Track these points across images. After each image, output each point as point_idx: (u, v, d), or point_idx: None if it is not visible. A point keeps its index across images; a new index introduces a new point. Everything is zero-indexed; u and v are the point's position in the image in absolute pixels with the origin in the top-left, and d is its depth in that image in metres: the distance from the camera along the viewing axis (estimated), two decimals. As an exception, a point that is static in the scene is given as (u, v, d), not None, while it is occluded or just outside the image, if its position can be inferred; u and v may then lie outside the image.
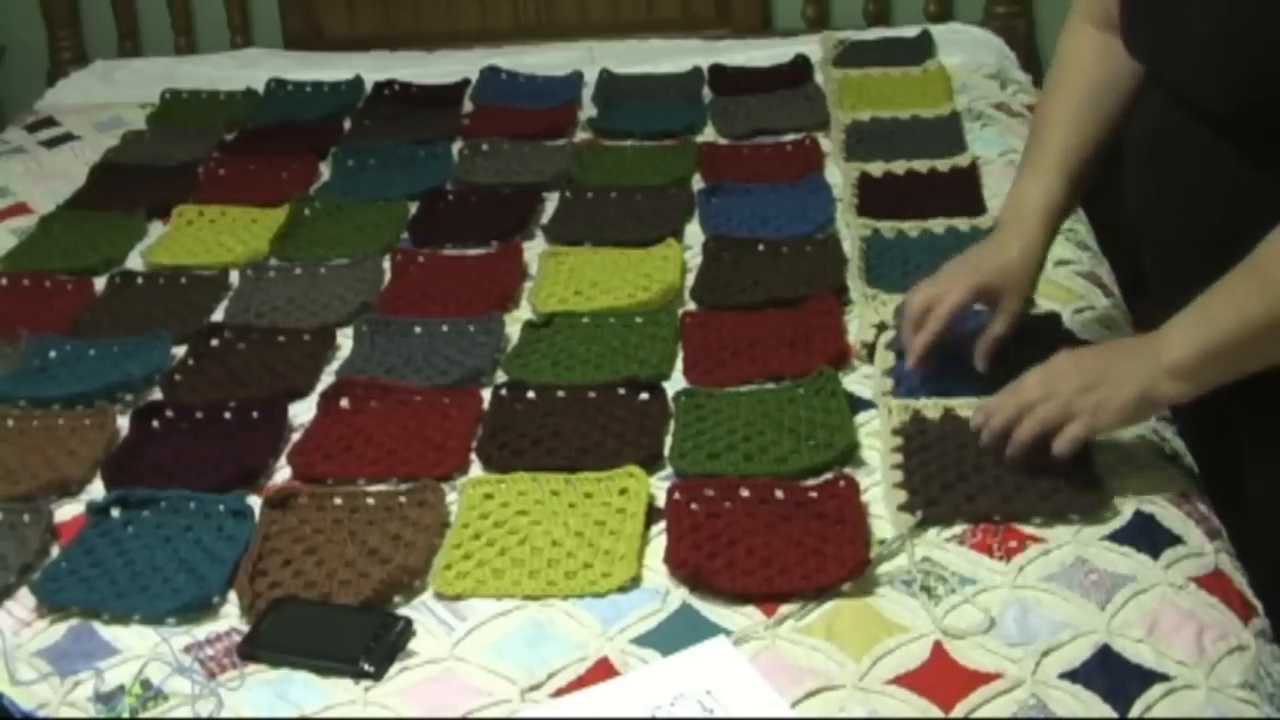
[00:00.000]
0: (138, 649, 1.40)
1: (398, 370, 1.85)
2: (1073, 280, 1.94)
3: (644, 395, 1.74)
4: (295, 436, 1.73)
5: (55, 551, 1.55)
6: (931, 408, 1.63)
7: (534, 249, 2.15)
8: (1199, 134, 1.46)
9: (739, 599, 1.40)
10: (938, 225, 2.08)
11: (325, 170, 2.51)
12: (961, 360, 1.66)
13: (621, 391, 1.75)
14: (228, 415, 1.75)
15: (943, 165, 2.29)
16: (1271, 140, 1.39)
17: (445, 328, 1.92)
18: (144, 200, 2.38)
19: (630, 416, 1.70)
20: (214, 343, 1.93)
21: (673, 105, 2.70)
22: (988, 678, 1.29)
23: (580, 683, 1.33)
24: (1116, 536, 1.45)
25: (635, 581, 1.44)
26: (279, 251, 2.20)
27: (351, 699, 1.33)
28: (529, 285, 2.05)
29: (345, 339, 1.95)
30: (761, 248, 2.08)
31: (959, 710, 1.26)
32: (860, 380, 1.76)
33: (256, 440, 1.71)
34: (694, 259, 2.09)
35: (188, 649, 1.39)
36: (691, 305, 1.98)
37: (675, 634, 1.37)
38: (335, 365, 1.89)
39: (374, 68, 2.94)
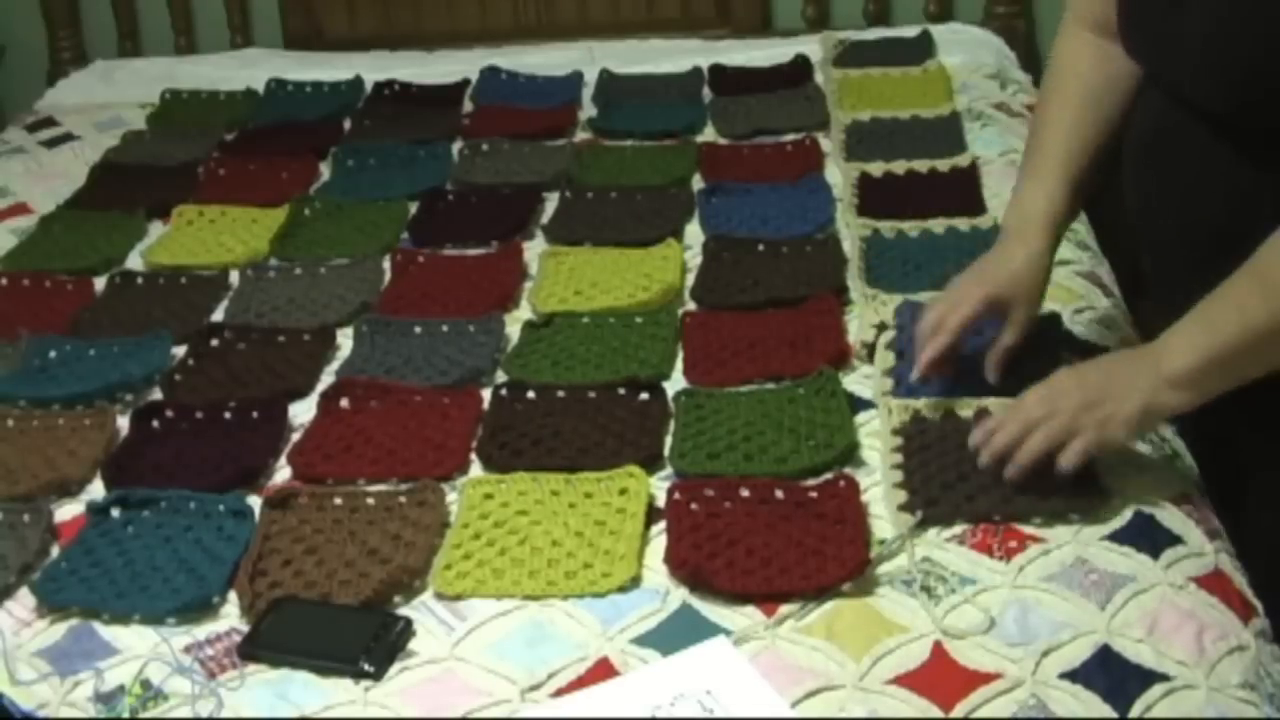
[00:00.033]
0: (138, 649, 1.40)
1: (398, 370, 1.85)
2: (1073, 280, 1.93)
3: (644, 395, 1.74)
4: (295, 436, 1.73)
5: (55, 551, 1.55)
6: (931, 408, 1.63)
7: (534, 249, 2.15)
8: (1198, 134, 1.46)
9: (739, 599, 1.40)
10: (938, 225, 2.07)
11: (325, 170, 2.51)
12: (965, 367, 1.65)
13: (621, 391, 1.75)
14: (228, 415, 1.75)
15: (943, 165, 2.28)
16: (1271, 140, 1.39)
17: (445, 328, 1.92)
18: (144, 200, 2.38)
19: (630, 416, 1.70)
20: (214, 343, 1.93)
21: (673, 105, 2.69)
22: (988, 678, 1.29)
23: (580, 683, 1.33)
24: (1116, 536, 1.45)
25: (635, 581, 1.44)
26: (279, 251, 2.20)
27: (351, 699, 1.32)
28: (529, 285, 2.05)
29: (345, 339, 1.95)
30: (761, 248, 2.08)
31: (959, 710, 1.26)
32: (860, 380, 1.76)
33: (256, 440, 1.70)
34: (694, 259, 2.09)
35: (188, 649, 1.39)
36: (691, 305, 1.98)
37: (675, 634, 1.37)
38: (335, 365, 1.89)
39: (374, 68, 2.93)
